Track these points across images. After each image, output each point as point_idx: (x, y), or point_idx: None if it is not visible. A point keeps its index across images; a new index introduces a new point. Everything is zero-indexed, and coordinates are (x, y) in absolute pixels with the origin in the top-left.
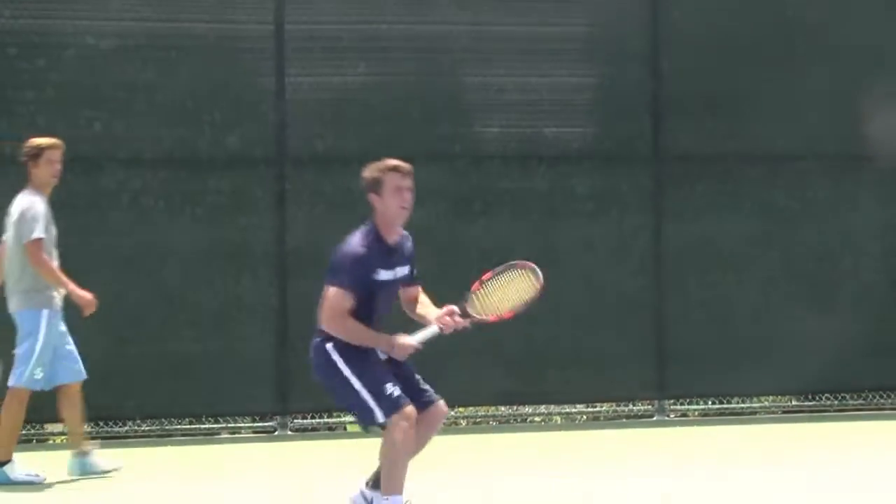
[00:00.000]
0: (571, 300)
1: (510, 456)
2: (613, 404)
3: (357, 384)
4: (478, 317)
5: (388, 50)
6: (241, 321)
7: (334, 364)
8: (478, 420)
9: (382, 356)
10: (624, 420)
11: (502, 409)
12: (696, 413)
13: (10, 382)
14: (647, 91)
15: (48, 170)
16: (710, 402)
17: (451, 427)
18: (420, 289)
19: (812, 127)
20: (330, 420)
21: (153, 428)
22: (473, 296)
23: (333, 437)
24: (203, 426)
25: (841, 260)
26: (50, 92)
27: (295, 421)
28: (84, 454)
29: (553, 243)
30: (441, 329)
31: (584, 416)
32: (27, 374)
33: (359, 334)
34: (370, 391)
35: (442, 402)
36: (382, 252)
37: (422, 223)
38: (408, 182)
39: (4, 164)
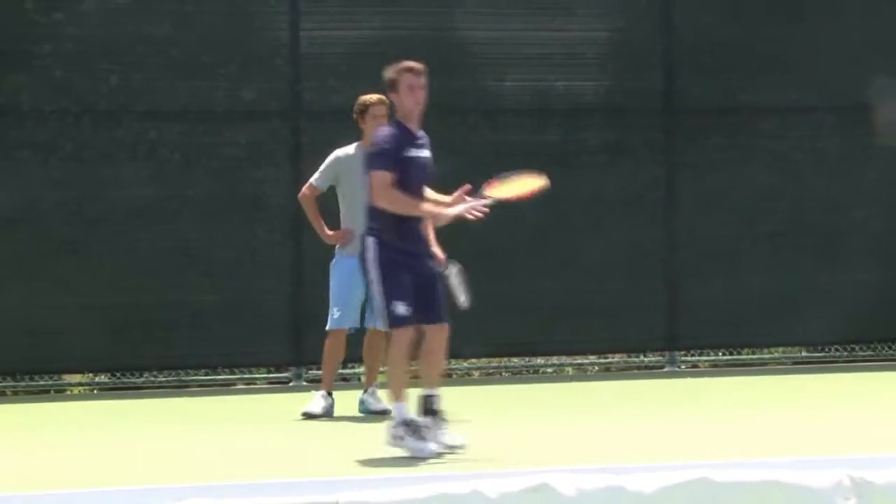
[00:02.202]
0: (583, 252)
1: (520, 406)
2: (625, 355)
3: (379, 288)
4: (495, 196)
5: (402, 3)
6: (257, 273)
7: (372, 260)
8: (490, 371)
9: (411, 268)
10: (635, 371)
11: (514, 360)
12: (707, 364)
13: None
14: (659, 44)
15: (372, 124)
16: (720, 354)
17: (464, 378)
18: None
19: (824, 79)
20: (343, 371)
21: (170, 379)
22: (487, 192)
23: (348, 388)
24: (219, 377)
25: (850, 211)
26: (67, 45)
27: (310, 372)
28: (367, 393)
29: (565, 195)
30: (467, 208)
31: (596, 367)
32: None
33: (405, 203)
34: (387, 297)
35: (440, 326)
36: (408, 136)
37: (436, 176)
38: (421, 81)
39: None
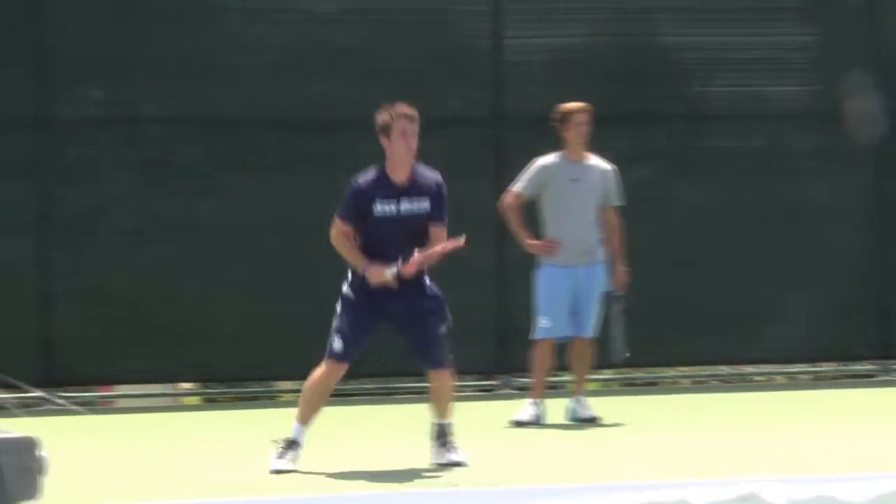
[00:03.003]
0: (792, 258)
1: (729, 415)
2: (836, 364)
3: (335, 318)
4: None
5: (605, 10)
6: (461, 281)
7: (341, 292)
8: (699, 379)
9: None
10: (847, 380)
11: (724, 368)
12: None
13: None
14: (868, 48)
15: (574, 132)
16: None
17: (673, 386)
18: (439, 230)
19: None
20: (551, 378)
21: (378, 386)
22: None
23: (556, 396)
24: (426, 384)
25: None
26: (269, 56)
27: (517, 379)
28: (575, 400)
29: (772, 201)
30: (399, 270)
31: (807, 376)
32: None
33: (346, 252)
34: (333, 330)
35: (437, 372)
36: (384, 187)
37: (641, 182)
38: (413, 127)
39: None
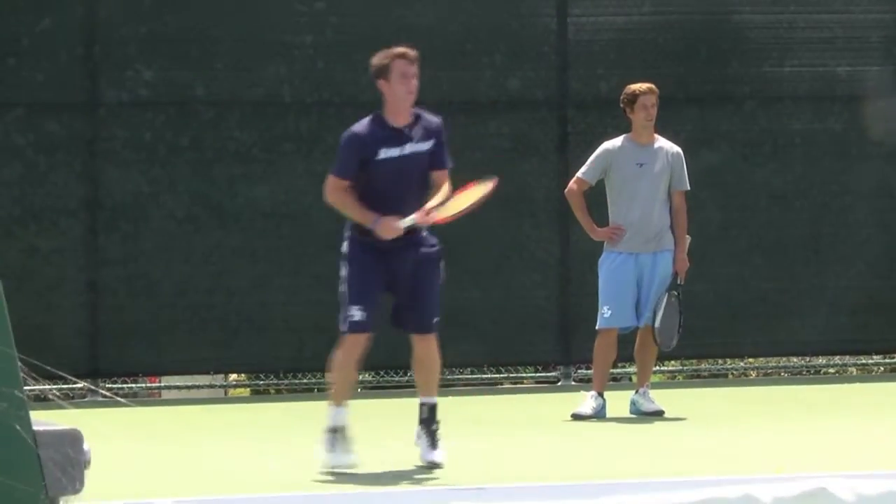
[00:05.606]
0: (865, 247)
1: (798, 408)
2: None
3: (343, 286)
4: (436, 216)
5: None
6: (523, 269)
7: (343, 255)
8: (768, 371)
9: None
10: None
11: (794, 360)
12: None
13: None
14: None
15: (642, 114)
16: None
17: (742, 379)
18: (444, 176)
19: None
20: (614, 370)
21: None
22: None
23: (619, 388)
24: (485, 376)
25: None
26: (328, 35)
27: (579, 371)
28: (639, 393)
29: (846, 186)
30: (415, 220)
31: (881, 368)
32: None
33: (350, 209)
34: (346, 298)
35: (422, 336)
36: (385, 133)
37: (710, 165)
38: (413, 69)
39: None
